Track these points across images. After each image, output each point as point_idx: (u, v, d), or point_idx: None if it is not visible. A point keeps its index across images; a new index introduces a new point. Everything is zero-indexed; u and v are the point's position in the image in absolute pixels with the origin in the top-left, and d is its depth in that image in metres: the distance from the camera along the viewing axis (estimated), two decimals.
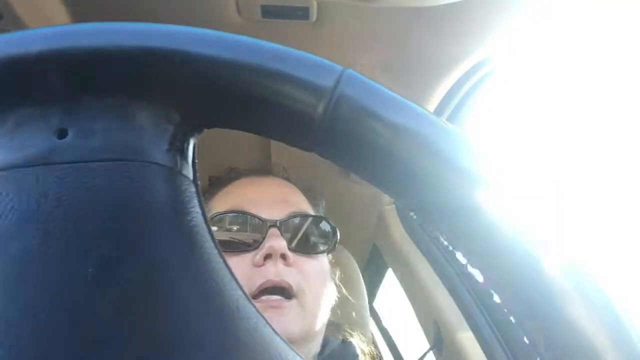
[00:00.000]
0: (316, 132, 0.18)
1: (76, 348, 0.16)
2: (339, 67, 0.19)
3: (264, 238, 0.54)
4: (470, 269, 0.19)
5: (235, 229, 0.56)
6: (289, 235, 0.56)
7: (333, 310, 0.67)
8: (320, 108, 0.18)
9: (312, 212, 0.61)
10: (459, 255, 0.20)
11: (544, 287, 0.18)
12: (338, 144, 0.19)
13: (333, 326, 0.66)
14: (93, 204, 0.17)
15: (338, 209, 1.25)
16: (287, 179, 0.66)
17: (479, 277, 0.19)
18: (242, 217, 0.56)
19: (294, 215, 0.57)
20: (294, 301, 0.52)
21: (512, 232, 0.18)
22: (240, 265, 0.53)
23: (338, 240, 0.61)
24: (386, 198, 1.20)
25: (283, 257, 0.53)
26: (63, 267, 0.16)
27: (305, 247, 0.57)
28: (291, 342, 0.49)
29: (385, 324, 1.36)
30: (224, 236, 0.55)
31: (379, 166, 0.19)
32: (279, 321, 0.50)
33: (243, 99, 0.18)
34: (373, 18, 0.72)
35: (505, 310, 0.19)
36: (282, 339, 0.19)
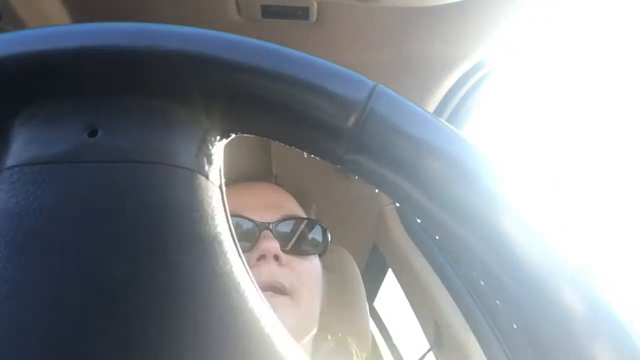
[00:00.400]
0: (345, 146, 0.18)
1: (107, 345, 0.16)
2: (370, 82, 0.19)
3: (257, 240, 0.56)
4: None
5: None
6: (281, 237, 0.57)
7: (333, 310, 0.68)
8: (351, 122, 0.18)
9: (303, 216, 0.63)
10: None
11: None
12: (365, 159, 0.19)
13: (326, 329, 0.66)
14: (120, 205, 0.17)
15: (338, 209, 1.26)
16: (280, 185, 0.68)
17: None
18: (235, 220, 0.58)
19: (286, 218, 0.59)
20: (287, 297, 0.54)
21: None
22: None
23: (329, 243, 0.63)
24: (386, 198, 1.20)
25: (276, 258, 0.55)
26: (92, 267, 0.16)
27: (297, 249, 0.59)
28: None
29: (385, 323, 1.36)
30: None
31: (404, 184, 0.19)
32: None
33: (275, 109, 0.18)
34: (373, 18, 0.72)
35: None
36: (295, 345, 0.19)
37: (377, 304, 1.41)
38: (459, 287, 0.98)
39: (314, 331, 0.61)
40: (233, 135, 0.20)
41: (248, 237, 0.56)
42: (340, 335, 0.69)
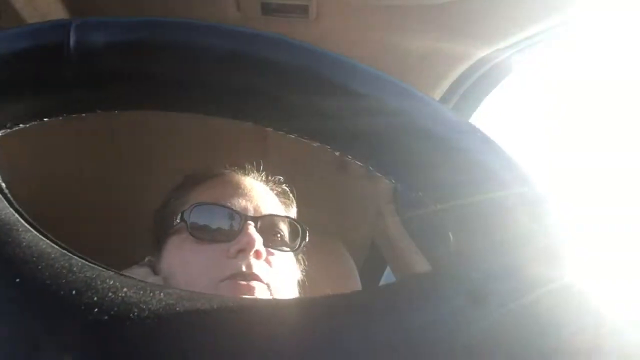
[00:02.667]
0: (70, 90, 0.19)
1: None
2: (64, 20, 0.19)
3: (240, 232, 0.56)
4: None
5: (213, 219, 0.58)
6: (262, 232, 0.58)
7: None
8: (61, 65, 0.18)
9: (284, 214, 0.65)
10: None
11: None
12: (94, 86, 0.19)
13: None
14: None
15: (337, 206, 1.26)
16: (264, 182, 0.70)
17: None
18: (221, 209, 0.58)
19: (269, 214, 0.60)
20: (265, 286, 0.54)
21: None
22: (213, 254, 0.55)
23: (306, 242, 0.64)
24: (385, 195, 1.20)
25: (257, 253, 0.55)
26: None
27: (277, 245, 0.60)
28: None
29: None
30: (201, 225, 0.58)
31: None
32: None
33: None
34: (372, 15, 0.72)
35: None
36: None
37: None
38: None
39: None
40: None
41: (231, 228, 0.57)
42: None
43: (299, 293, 0.66)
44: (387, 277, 1.32)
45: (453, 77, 0.77)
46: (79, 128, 0.97)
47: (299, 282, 0.67)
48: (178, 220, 0.59)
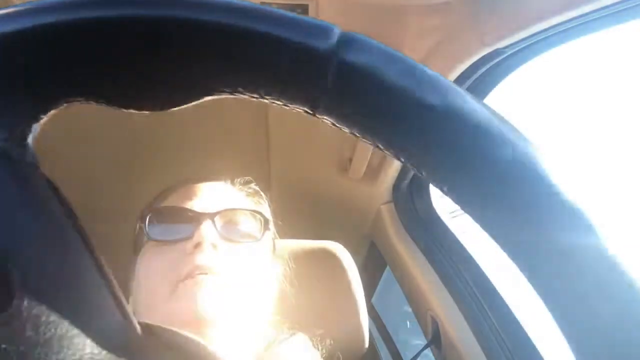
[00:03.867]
0: (318, 96, 0.18)
1: None
2: (336, 29, 0.18)
3: (196, 229, 0.56)
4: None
5: (170, 221, 0.59)
6: (220, 226, 0.58)
7: (329, 307, 0.68)
8: (320, 73, 0.17)
9: (246, 207, 0.64)
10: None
11: None
12: (339, 107, 0.18)
13: (317, 325, 0.68)
14: None
15: (336, 207, 1.26)
16: (231, 184, 0.70)
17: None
18: (177, 209, 0.60)
19: (225, 209, 0.60)
20: (215, 276, 0.53)
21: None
22: (172, 254, 0.56)
23: (270, 231, 0.64)
24: (384, 195, 1.20)
25: (213, 246, 0.55)
26: None
27: (235, 236, 0.59)
28: (205, 318, 0.50)
29: (383, 320, 1.36)
30: (159, 229, 0.58)
31: (383, 130, 0.18)
32: (196, 293, 0.51)
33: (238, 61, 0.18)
34: (372, 15, 0.72)
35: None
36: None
37: (375, 300, 1.41)
38: (456, 284, 0.99)
39: (267, 313, 0.61)
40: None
41: (188, 227, 0.57)
42: (333, 332, 0.70)
43: (291, 292, 0.66)
44: (387, 277, 1.32)
45: (453, 77, 0.77)
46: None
47: (284, 280, 0.67)
48: (138, 229, 0.59)
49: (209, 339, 0.51)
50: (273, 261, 0.66)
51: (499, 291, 0.94)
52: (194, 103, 0.20)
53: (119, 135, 1.06)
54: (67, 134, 0.95)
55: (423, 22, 0.73)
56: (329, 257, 0.85)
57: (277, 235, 0.70)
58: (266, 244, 0.64)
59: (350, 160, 1.11)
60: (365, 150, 1.04)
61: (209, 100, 0.20)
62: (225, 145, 1.02)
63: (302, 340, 0.64)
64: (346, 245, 0.94)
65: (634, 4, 0.57)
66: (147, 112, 0.20)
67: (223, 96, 0.20)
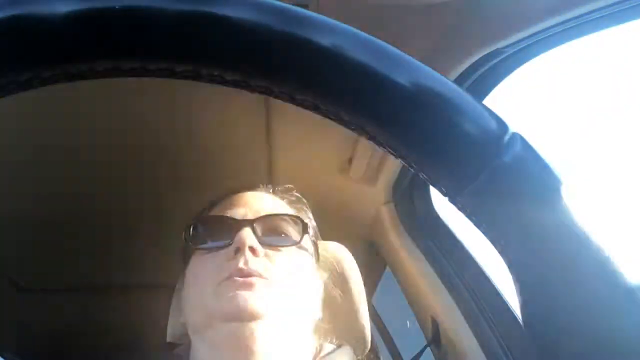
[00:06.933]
0: (468, 185, 0.18)
1: None
2: (509, 128, 0.18)
3: (236, 236, 0.59)
4: None
5: (213, 230, 0.62)
6: (260, 232, 0.60)
7: (329, 308, 0.69)
8: (481, 166, 0.18)
9: (286, 212, 0.66)
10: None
11: None
12: (480, 203, 0.18)
13: (325, 331, 0.68)
14: None
15: (335, 208, 1.26)
16: (272, 192, 0.72)
17: None
18: (219, 219, 0.63)
19: (265, 215, 0.62)
20: (257, 278, 0.56)
21: None
22: (215, 260, 0.59)
23: (310, 235, 0.66)
24: (384, 195, 1.20)
25: (252, 250, 0.57)
26: None
27: (274, 241, 0.61)
28: (257, 318, 0.53)
29: (383, 320, 1.36)
30: (203, 238, 0.62)
31: (515, 236, 0.18)
32: (244, 295, 0.54)
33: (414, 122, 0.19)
34: (374, 15, 0.72)
35: None
36: None
37: (375, 301, 1.41)
38: (456, 284, 0.99)
39: (311, 319, 0.63)
40: None
41: (229, 234, 0.59)
42: (336, 333, 0.70)
43: (322, 295, 0.67)
44: (387, 277, 1.32)
45: (453, 77, 0.77)
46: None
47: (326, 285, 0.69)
48: (184, 240, 0.63)
49: (250, 334, 0.53)
50: (316, 266, 0.68)
51: (499, 291, 0.94)
52: None
53: (119, 135, 1.06)
54: (67, 133, 0.95)
55: (423, 22, 0.73)
56: (330, 259, 0.85)
57: (319, 238, 0.71)
58: (307, 248, 0.65)
59: (350, 160, 1.11)
60: (366, 150, 1.04)
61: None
62: (225, 145, 1.02)
63: (347, 352, 0.65)
64: (346, 245, 0.94)
65: (634, 4, 0.57)
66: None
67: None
